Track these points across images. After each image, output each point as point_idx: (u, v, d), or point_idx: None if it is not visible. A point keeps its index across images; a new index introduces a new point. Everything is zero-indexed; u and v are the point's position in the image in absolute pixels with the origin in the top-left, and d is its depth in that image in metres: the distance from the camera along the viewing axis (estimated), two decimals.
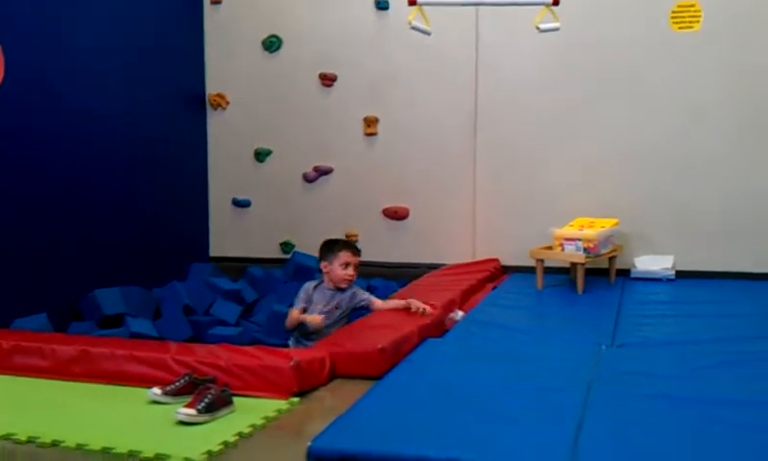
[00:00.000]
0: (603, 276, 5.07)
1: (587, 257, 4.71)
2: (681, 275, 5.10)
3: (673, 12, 5.15)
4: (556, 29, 4.32)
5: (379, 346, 3.27)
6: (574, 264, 4.82)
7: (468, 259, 5.55)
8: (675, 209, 5.20)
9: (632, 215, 5.19)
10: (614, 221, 5.05)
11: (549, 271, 5.00)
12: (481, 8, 5.37)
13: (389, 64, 5.71)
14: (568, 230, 4.87)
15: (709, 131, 5.11)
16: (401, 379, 3.00)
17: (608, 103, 5.27)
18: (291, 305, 4.23)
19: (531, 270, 4.99)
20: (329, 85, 5.86)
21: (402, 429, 2.44)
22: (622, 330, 3.81)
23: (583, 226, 4.95)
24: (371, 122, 5.79)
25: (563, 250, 4.82)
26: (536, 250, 4.94)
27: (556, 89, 5.37)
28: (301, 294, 4.15)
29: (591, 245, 4.72)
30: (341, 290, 4.14)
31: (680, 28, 5.15)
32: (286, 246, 6.01)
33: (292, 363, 3.02)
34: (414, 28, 4.23)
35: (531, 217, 5.34)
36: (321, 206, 5.93)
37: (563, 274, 5.11)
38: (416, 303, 4.01)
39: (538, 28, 4.32)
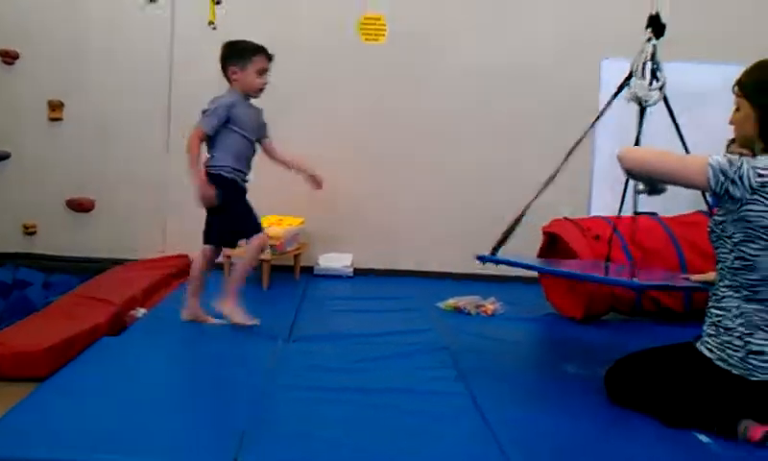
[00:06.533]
0: (289, 272, 5.26)
1: (273, 254, 4.86)
2: (359, 272, 5.46)
3: (361, 24, 5.48)
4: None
5: (45, 345, 3.11)
6: (261, 261, 4.94)
7: (158, 255, 5.44)
8: (353, 211, 5.51)
9: (316, 215, 5.40)
10: (300, 220, 5.27)
11: None
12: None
13: (78, 47, 5.41)
14: None
15: (389, 137, 5.50)
16: (67, 381, 2.88)
17: (298, 108, 5.43)
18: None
19: (221, 267, 5.02)
20: (10, 64, 5.42)
21: (59, 435, 2.35)
22: (300, 325, 3.98)
23: (271, 223, 5.08)
24: (55, 106, 5.44)
25: None
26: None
27: None
28: (218, 109, 3.57)
29: (278, 242, 4.88)
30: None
31: (367, 40, 5.50)
32: None
33: None
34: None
35: None
36: None
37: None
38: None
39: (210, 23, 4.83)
